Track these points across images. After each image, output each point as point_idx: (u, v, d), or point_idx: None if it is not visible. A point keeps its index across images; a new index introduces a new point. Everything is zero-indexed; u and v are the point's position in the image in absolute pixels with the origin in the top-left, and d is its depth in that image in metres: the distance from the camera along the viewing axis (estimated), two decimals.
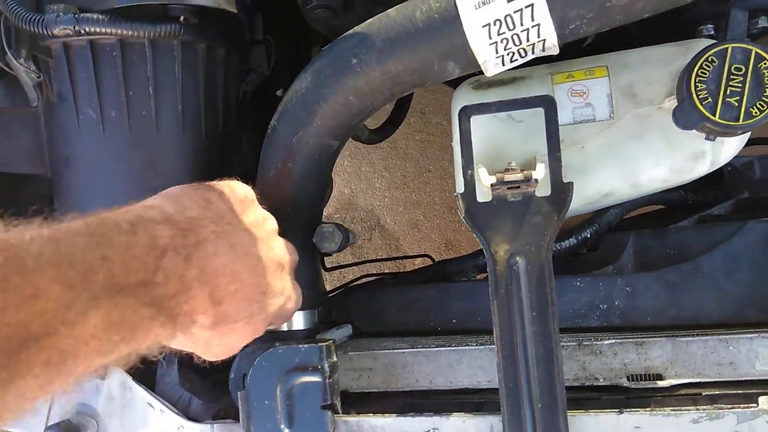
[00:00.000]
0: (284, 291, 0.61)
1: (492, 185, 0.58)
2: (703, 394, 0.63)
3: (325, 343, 0.65)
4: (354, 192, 2.01)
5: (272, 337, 0.70)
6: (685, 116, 0.56)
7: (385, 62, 0.63)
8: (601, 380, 0.66)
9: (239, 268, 0.55)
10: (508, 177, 0.57)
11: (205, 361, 0.59)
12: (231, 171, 0.69)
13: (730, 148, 0.64)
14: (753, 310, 0.68)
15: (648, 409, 0.59)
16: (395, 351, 0.72)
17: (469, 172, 0.63)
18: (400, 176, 1.99)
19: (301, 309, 0.69)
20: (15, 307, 0.38)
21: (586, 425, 0.60)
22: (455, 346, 0.71)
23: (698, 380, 0.65)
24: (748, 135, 0.64)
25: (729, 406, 0.58)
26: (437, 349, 0.71)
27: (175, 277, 0.50)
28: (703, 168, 0.64)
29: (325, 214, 2.32)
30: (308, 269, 0.73)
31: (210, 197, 0.58)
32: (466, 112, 0.64)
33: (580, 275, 0.74)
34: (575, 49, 0.82)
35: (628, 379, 0.66)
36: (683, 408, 0.58)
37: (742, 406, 0.57)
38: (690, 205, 0.93)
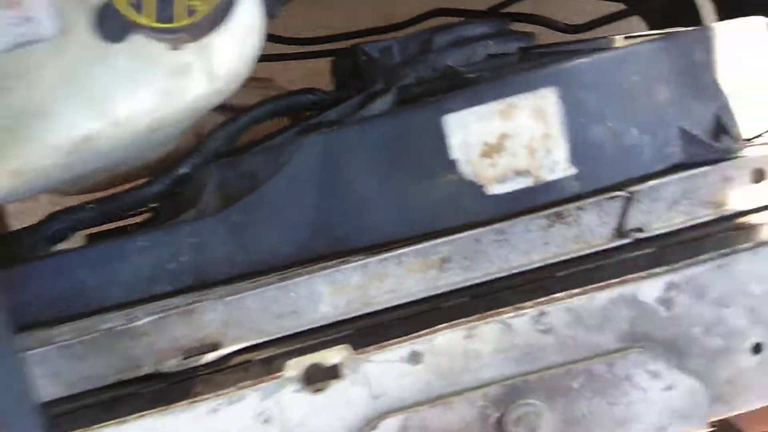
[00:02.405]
0: None
1: None
2: (257, 358, 0.53)
3: None
4: None
5: None
6: (109, 25, 0.40)
7: None
8: (146, 368, 0.53)
9: None
10: None
11: None
12: None
13: (228, 51, 0.49)
14: (322, 241, 0.57)
15: (156, 410, 0.47)
16: None
17: None
18: None
19: None
20: None
21: None
22: None
23: (261, 340, 0.54)
24: (256, 29, 0.49)
25: (251, 383, 0.48)
26: None
27: None
28: (199, 85, 0.48)
29: None
30: None
31: None
32: None
33: (142, 233, 0.60)
34: None
35: (185, 357, 0.54)
36: (197, 400, 0.47)
37: (266, 379, 0.47)
38: (327, 103, 0.81)
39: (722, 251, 0.48)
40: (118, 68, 0.47)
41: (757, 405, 0.51)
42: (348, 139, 0.54)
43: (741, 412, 0.51)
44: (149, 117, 0.48)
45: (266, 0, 0.51)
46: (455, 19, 1.04)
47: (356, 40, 1.08)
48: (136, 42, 0.44)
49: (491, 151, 0.52)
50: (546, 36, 1.00)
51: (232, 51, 0.49)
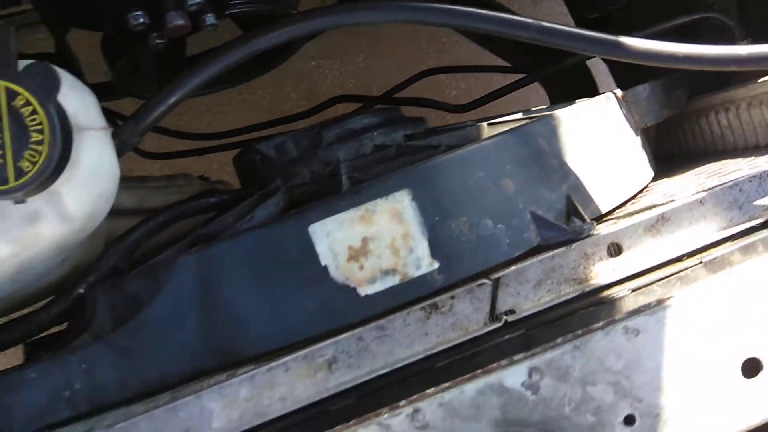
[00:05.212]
0: None
1: None
2: None
3: None
4: None
5: None
6: None
7: None
8: None
9: None
10: None
11: None
12: None
13: (77, 193, 0.51)
14: (209, 357, 0.58)
15: None
16: None
17: None
18: None
19: None
20: None
21: None
22: None
23: None
24: (104, 168, 0.52)
25: None
26: None
27: None
28: (55, 228, 0.50)
29: None
30: None
31: None
32: None
33: (32, 364, 0.60)
34: None
35: None
36: None
37: None
38: (229, 204, 0.83)
39: (576, 332, 0.50)
40: None
41: None
42: (219, 256, 0.56)
43: None
44: (11, 263, 0.50)
45: (122, 135, 0.54)
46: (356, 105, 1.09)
47: (256, 134, 1.12)
48: None
49: (357, 254, 0.54)
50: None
51: (81, 193, 0.51)
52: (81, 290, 0.68)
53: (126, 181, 0.98)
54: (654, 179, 0.76)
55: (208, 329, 0.57)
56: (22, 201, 0.45)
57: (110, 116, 1.22)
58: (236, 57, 0.54)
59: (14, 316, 0.72)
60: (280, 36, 0.54)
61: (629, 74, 1.05)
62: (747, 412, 0.52)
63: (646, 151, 0.75)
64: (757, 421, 0.52)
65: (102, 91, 1.17)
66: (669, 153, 0.86)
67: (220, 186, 1.15)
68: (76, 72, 0.78)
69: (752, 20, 0.81)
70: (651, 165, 0.76)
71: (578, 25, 1.04)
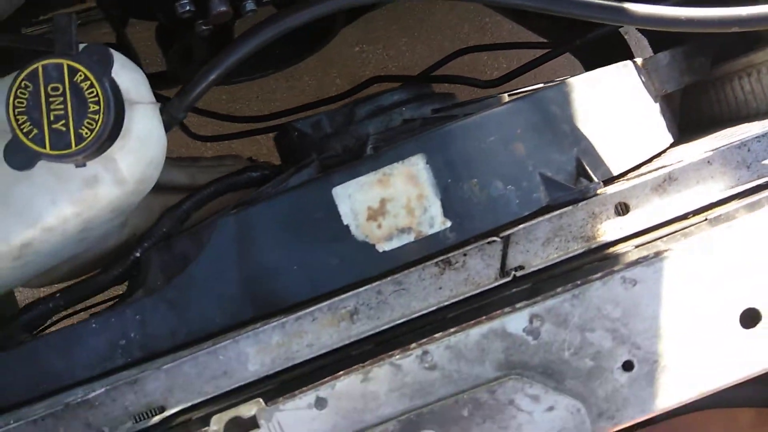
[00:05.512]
0: None
1: None
2: (196, 416, 0.60)
3: None
4: None
5: None
6: (17, 156, 0.49)
7: None
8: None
9: None
10: None
11: None
12: None
13: (130, 158, 0.58)
14: (248, 308, 0.64)
15: None
16: None
17: None
18: None
19: None
20: None
21: None
22: None
23: (200, 400, 0.62)
24: (153, 137, 0.58)
25: None
26: None
27: None
28: (111, 191, 0.58)
29: None
30: None
31: None
32: None
33: (94, 317, 0.68)
34: None
35: (136, 421, 0.62)
36: None
37: None
38: (269, 178, 0.90)
39: (575, 282, 0.54)
40: (40, 184, 0.56)
41: (639, 418, 0.56)
42: (254, 217, 0.62)
43: (626, 425, 0.56)
44: (74, 222, 0.57)
45: (169, 110, 0.60)
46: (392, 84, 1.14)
47: (300, 115, 1.18)
48: (47, 165, 0.53)
49: (376, 214, 0.59)
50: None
51: (133, 159, 0.58)
52: (137, 254, 0.76)
53: (180, 160, 1.07)
54: (674, 145, 0.77)
55: (246, 283, 0.64)
56: (82, 165, 0.52)
57: (164, 100, 1.32)
58: (270, 34, 0.60)
59: None
60: (310, 12, 0.59)
61: (665, 43, 1.05)
62: (745, 362, 0.54)
63: (665, 117, 0.76)
64: (755, 370, 0.54)
65: (159, 80, 1.26)
66: (695, 121, 0.86)
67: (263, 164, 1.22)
68: (133, 59, 0.86)
69: None
70: (671, 131, 0.77)
71: None
